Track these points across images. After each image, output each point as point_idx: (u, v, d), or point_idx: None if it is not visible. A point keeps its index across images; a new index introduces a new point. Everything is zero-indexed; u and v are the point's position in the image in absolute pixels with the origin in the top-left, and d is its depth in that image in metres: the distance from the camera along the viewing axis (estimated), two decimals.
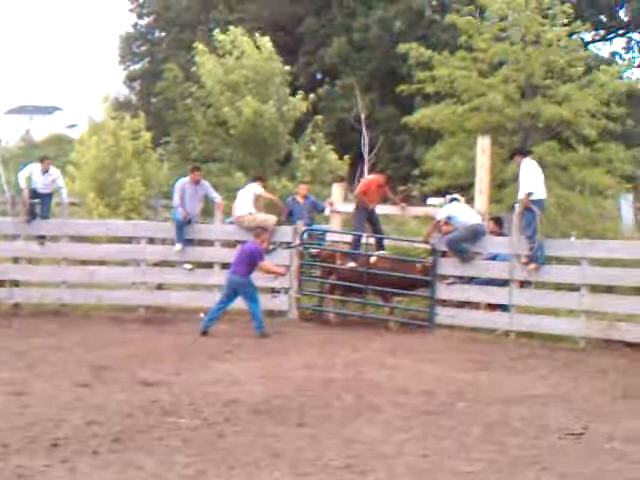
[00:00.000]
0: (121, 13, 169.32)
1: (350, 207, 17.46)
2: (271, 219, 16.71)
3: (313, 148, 26.15)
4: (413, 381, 11.44)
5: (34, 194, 17.26)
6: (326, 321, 16.57)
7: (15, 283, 17.46)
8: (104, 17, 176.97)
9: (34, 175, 17.39)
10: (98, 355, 12.67)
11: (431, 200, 21.93)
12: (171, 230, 17.02)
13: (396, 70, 33.47)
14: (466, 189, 18.36)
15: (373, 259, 16.39)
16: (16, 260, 17.53)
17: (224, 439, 8.55)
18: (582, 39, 25.44)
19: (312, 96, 26.73)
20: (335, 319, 16.64)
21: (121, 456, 7.92)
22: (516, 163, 15.76)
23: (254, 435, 8.69)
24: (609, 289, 14.99)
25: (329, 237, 17.83)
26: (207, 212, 18.24)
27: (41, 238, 17.32)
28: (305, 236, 16.90)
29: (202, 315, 15.11)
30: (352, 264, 16.42)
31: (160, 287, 17.49)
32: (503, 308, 15.38)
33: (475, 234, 15.49)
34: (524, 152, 15.69)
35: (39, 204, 17.34)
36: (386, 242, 17.18)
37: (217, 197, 17.35)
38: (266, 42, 26.04)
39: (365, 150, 29.18)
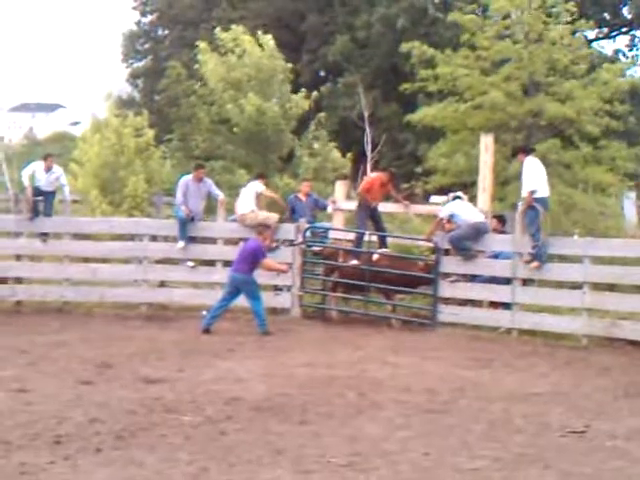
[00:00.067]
0: (124, 11, 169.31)
1: (353, 205, 17.45)
2: (273, 217, 16.71)
3: (316, 146, 26.19)
4: (415, 379, 11.44)
5: (37, 192, 17.26)
6: (329, 319, 16.57)
7: (18, 280, 17.47)
8: (107, 15, 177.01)
9: (37, 173, 17.38)
10: (100, 352, 12.67)
11: (434, 198, 21.94)
12: (174, 228, 17.01)
13: (399, 68, 33.48)
14: (469, 187, 18.36)
15: (376, 257, 16.39)
16: (19, 257, 17.53)
17: (226, 436, 8.56)
18: (585, 37, 25.40)
19: (315, 94, 26.77)
20: (338, 317, 16.64)
21: (123, 453, 7.93)
22: (519, 161, 15.74)
23: (256, 432, 8.69)
24: (611, 287, 14.98)
25: (332, 235, 17.81)
26: (210, 210, 18.23)
27: (44, 235, 17.32)
28: (308, 234, 16.89)
29: (204, 313, 15.10)
30: (355, 262, 16.42)
31: (163, 284, 17.49)
32: (505, 306, 15.37)
33: (478, 232, 15.48)
34: (527, 150, 15.66)
35: (42, 202, 17.35)
36: (389, 240, 17.18)
37: (220, 195, 17.35)
38: (268, 40, 26.09)
39: (368, 148, 29.18)
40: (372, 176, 18.30)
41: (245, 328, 14.97)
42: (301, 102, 25.89)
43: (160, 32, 51.15)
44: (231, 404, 9.79)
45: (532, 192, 14.73)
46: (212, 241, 17.27)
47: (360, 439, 8.54)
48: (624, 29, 44.65)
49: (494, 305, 15.70)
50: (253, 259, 14.72)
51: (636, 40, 44.29)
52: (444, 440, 8.60)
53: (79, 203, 22.70)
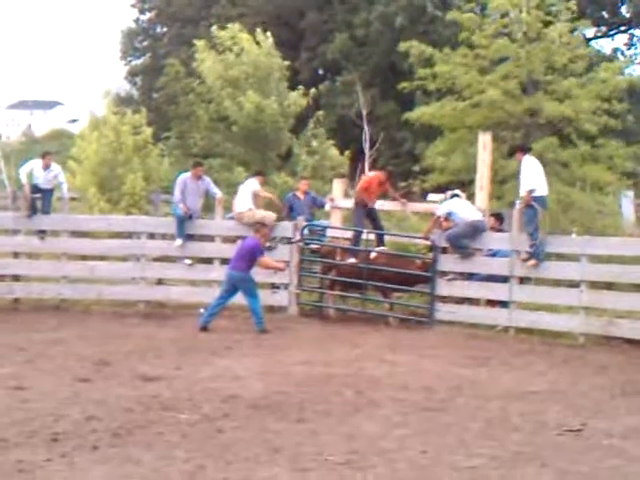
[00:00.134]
0: (123, 8, 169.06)
1: (350, 203, 17.44)
2: (270, 216, 16.69)
3: (315, 144, 26.20)
4: (413, 377, 11.44)
5: (35, 189, 17.26)
6: (326, 317, 16.58)
7: (15, 278, 17.47)
8: (106, 12, 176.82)
9: (35, 171, 17.38)
10: (98, 350, 12.67)
11: (431, 196, 21.94)
12: (171, 225, 17.02)
13: (397, 66, 33.50)
14: (466, 185, 18.36)
15: (373, 255, 16.40)
16: (17, 255, 17.52)
17: (223, 434, 8.56)
18: (584, 35, 25.42)
19: (313, 91, 26.78)
20: (335, 315, 16.65)
21: (120, 451, 7.93)
22: (517, 160, 15.74)
23: (254, 430, 8.70)
24: (609, 286, 14.99)
25: (329, 233, 17.82)
26: (208, 208, 18.24)
27: (42, 233, 17.32)
28: (305, 232, 16.89)
29: (202, 310, 15.10)
30: (352, 260, 16.42)
31: (160, 282, 17.50)
32: (503, 304, 15.38)
33: (475, 230, 15.48)
34: (525, 149, 15.65)
35: (40, 199, 17.35)
36: (386, 238, 17.17)
37: (218, 193, 17.35)
38: (266, 37, 26.10)
39: (366, 146, 29.18)
40: (370, 175, 18.28)
41: (242, 326, 14.98)
42: (299, 100, 25.91)
43: (159, 30, 51.12)
44: (228, 402, 9.79)
45: (530, 191, 14.74)
46: (210, 239, 17.29)
47: (357, 437, 8.55)
48: (622, 28, 44.70)
49: (491, 303, 15.71)
50: (251, 257, 14.73)
51: (634, 39, 44.37)
52: (441, 438, 8.61)
53: (77, 201, 22.68)
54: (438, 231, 15.81)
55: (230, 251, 15.65)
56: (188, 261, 16.92)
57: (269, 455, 7.91)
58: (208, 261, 17.05)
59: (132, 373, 11.23)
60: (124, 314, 16.34)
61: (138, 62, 49.98)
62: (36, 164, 17.49)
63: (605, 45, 45.82)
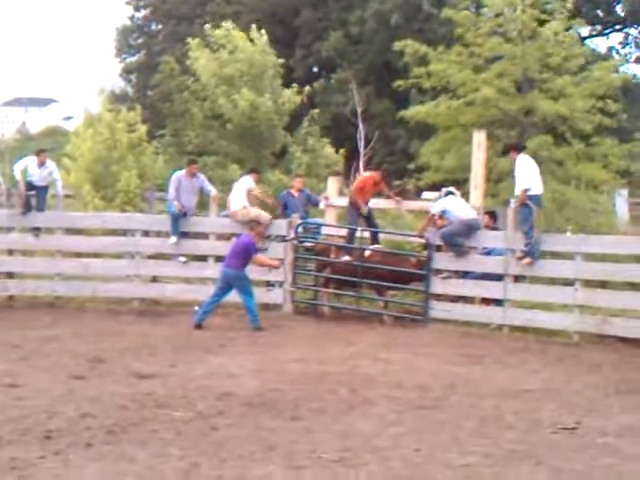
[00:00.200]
0: (118, 5, 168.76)
1: (345, 201, 17.44)
2: (265, 216, 16.64)
3: (310, 141, 26.21)
4: (407, 375, 11.45)
5: (30, 186, 17.24)
6: (320, 315, 16.57)
7: (10, 275, 17.45)
8: (101, 9, 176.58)
9: (30, 168, 17.36)
10: (92, 347, 12.66)
11: (426, 194, 21.95)
12: (166, 223, 17.01)
13: (392, 64, 33.48)
14: (461, 183, 18.36)
15: (368, 253, 16.40)
16: (11, 252, 17.49)
17: (218, 432, 8.56)
18: (579, 34, 25.43)
19: (307, 89, 26.77)
20: (329, 313, 16.64)
21: (115, 448, 7.93)
22: (510, 159, 15.74)
23: (248, 428, 8.70)
24: (603, 284, 15.01)
25: (324, 231, 17.82)
26: (202, 205, 18.22)
27: (36, 230, 17.30)
28: (300, 229, 16.89)
29: (196, 308, 15.09)
30: (347, 258, 16.42)
31: (155, 280, 17.48)
32: (497, 302, 15.39)
33: (470, 228, 15.49)
34: (519, 148, 15.65)
35: (34, 196, 17.33)
36: (381, 236, 17.17)
37: (212, 190, 17.34)
38: (261, 35, 26.09)
39: (361, 144, 29.19)
40: (365, 175, 18.29)
41: (237, 324, 14.97)
42: (293, 97, 25.90)
43: (154, 27, 51.07)
44: (223, 399, 9.79)
45: (526, 190, 14.73)
46: (204, 236, 17.28)
47: (352, 435, 8.55)
48: (617, 26, 44.75)
49: (486, 301, 15.71)
50: (245, 254, 14.72)
51: (629, 38, 44.44)
52: (435, 436, 8.61)
53: (72, 198, 22.67)
54: (433, 229, 15.82)
55: (225, 249, 15.64)
56: (182, 259, 16.90)
57: (263, 453, 7.91)
58: (202, 259, 17.04)
59: (126, 370, 11.22)
60: (118, 311, 16.32)
61: (133, 59, 49.93)
62: (31, 161, 17.46)
63: (600, 44, 45.83)
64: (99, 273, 17.38)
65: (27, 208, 17.12)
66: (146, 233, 17.35)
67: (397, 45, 22.28)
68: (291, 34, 41.91)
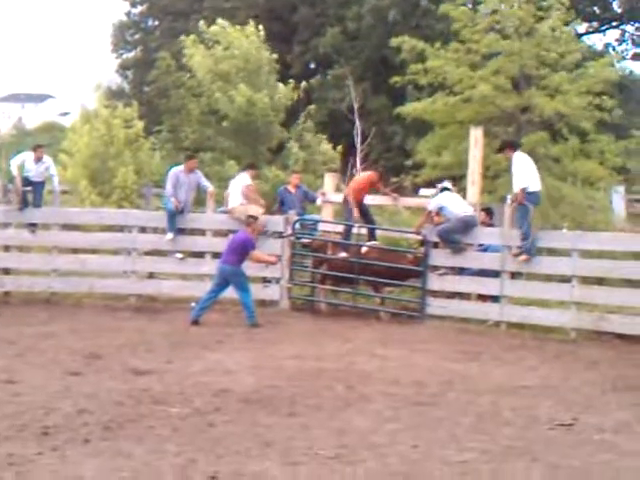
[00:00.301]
0: (114, 1, 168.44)
1: (342, 197, 17.42)
2: (261, 220, 16.49)
3: (307, 138, 26.20)
4: (404, 371, 11.45)
5: (26, 182, 17.20)
6: (317, 311, 16.58)
7: (6, 271, 17.43)
8: (97, 5, 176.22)
9: (27, 163, 17.32)
10: (89, 344, 12.66)
11: (423, 191, 21.95)
12: (163, 219, 16.99)
13: (389, 60, 33.41)
14: (458, 180, 18.35)
15: (364, 249, 16.39)
16: (7, 248, 17.47)
17: (215, 428, 8.56)
18: (576, 31, 25.41)
19: (304, 84, 26.75)
20: (326, 309, 16.65)
21: (111, 444, 7.92)
22: (506, 156, 15.73)
23: (245, 424, 8.70)
24: (600, 281, 15.01)
25: (321, 227, 17.81)
26: (199, 201, 18.21)
27: (33, 226, 17.28)
28: (297, 226, 16.88)
29: (193, 304, 15.09)
30: (344, 254, 16.42)
31: (151, 276, 17.47)
32: (494, 299, 15.39)
33: (466, 225, 15.49)
34: (514, 145, 15.64)
35: (31, 192, 17.30)
36: (378, 232, 17.17)
37: (209, 186, 17.32)
38: (258, 31, 26.06)
39: (357, 140, 29.14)
40: (362, 175, 18.25)
41: (234, 320, 14.97)
42: (289, 93, 25.89)
43: (150, 23, 50.90)
44: (219, 396, 9.79)
45: (524, 189, 14.71)
46: (201, 233, 17.26)
47: (348, 431, 8.55)
48: (614, 23, 44.72)
49: (482, 298, 15.72)
50: (242, 251, 14.72)
51: (626, 34, 44.40)
52: (432, 433, 8.61)
53: (68, 194, 22.62)
54: (429, 226, 15.82)
55: (221, 245, 15.64)
56: (179, 255, 16.88)
57: (260, 449, 7.90)
58: (199, 255, 17.03)
59: (123, 367, 11.22)
60: (115, 308, 16.32)
61: (129, 55, 49.78)
62: (27, 157, 17.43)
63: (597, 41, 45.86)
64: (96, 269, 17.37)
65: (24, 204, 17.10)
66: (143, 229, 17.32)
67: (394, 41, 22.24)
68: (288, 30, 41.84)
